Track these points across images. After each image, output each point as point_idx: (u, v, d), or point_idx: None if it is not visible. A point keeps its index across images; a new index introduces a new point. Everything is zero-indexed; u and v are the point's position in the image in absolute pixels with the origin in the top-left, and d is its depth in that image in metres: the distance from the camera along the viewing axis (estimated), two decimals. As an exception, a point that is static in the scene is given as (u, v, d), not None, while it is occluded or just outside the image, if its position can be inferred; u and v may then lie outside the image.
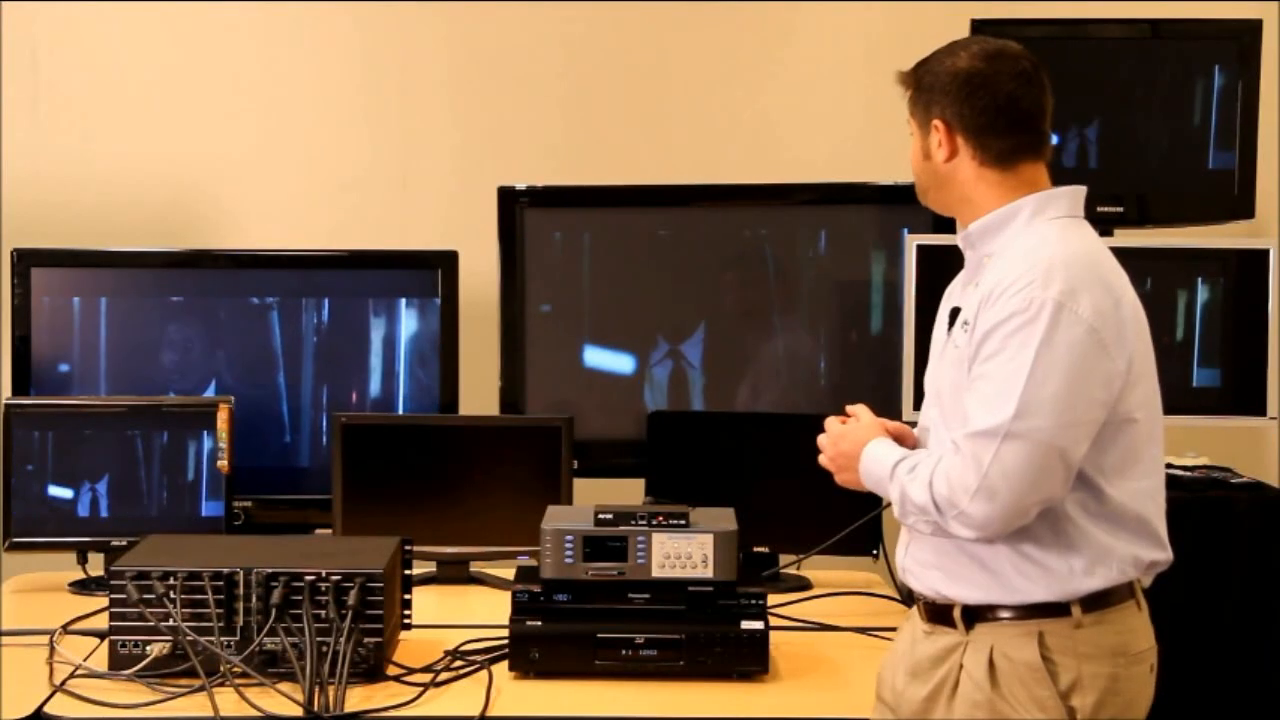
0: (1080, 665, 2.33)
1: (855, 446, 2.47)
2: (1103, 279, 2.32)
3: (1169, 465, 3.66)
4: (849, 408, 2.56)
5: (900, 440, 2.48)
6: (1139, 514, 2.36)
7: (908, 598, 2.66)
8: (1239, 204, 3.71)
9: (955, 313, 2.44)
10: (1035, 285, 2.28)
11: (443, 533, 3.49)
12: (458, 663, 2.84)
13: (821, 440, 2.53)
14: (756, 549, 3.41)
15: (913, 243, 3.54)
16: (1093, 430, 2.29)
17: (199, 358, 3.75)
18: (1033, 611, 2.34)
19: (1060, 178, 3.70)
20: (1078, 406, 2.26)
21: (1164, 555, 2.41)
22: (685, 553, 2.80)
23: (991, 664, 2.35)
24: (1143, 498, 2.37)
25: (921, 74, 2.45)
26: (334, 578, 2.74)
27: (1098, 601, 2.34)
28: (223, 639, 2.71)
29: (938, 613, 2.43)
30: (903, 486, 2.36)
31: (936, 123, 2.42)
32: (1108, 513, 2.34)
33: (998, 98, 2.39)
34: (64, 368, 3.72)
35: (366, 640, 2.72)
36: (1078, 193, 2.47)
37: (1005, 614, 2.36)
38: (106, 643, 2.78)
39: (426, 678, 2.76)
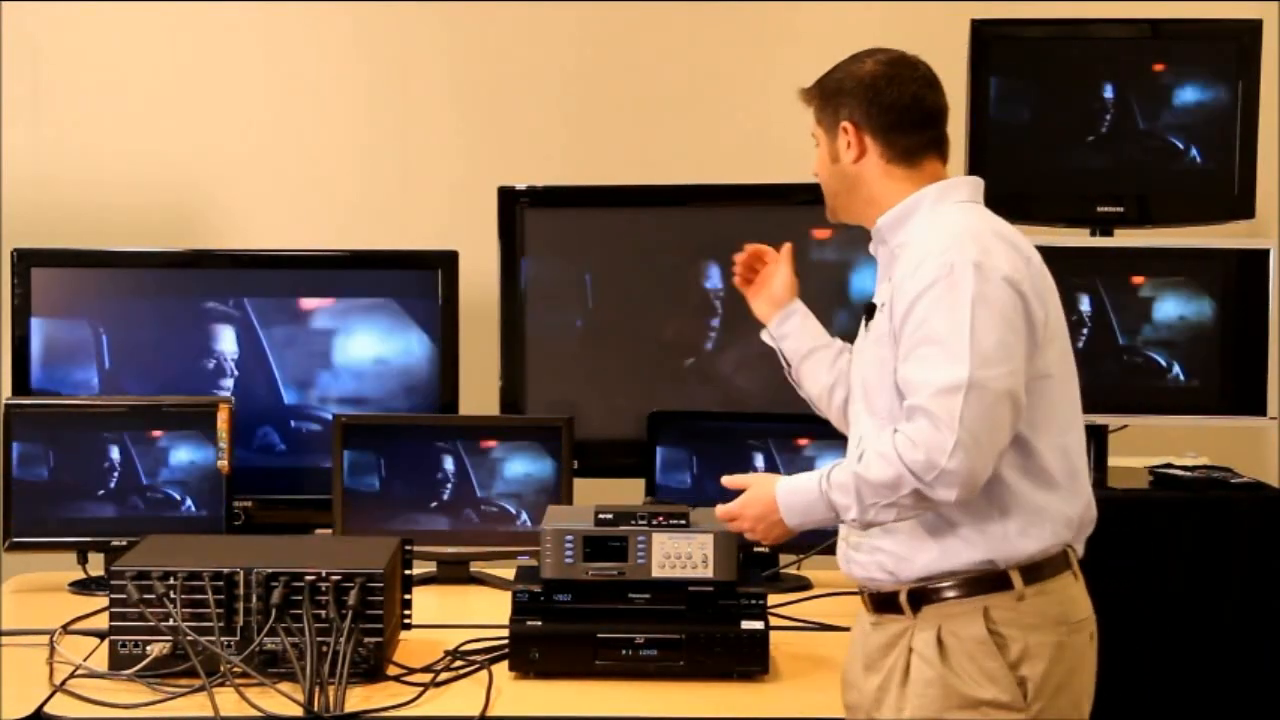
0: (1027, 636, 2.39)
1: (766, 502, 2.52)
2: (1011, 242, 2.43)
3: (1169, 465, 3.68)
4: (726, 481, 2.63)
5: None
6: (1065, 467, 2.44)
7: None
8: (1239, 204, 3.71)
9: (870, 310, 2.54)
10: (951, 250, 2.38)
11: (443, 533, 3.50)
12: (458, 663, 2.84)
13: (732, 522, 2.60)
14: (756, 549, 3.41)
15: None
16: (1025, 378, 2.38)
17: (199, 358, 3.75)
18: (976, 587, 2.40)
19: (1062, 178, 3.74)
20: (1018, 352, 2.37)
21: (1090, 509, 2.48)
22: (685, 553, 2.80)
23: (940, 642, 2.41)
24: (1065, 452, 2.45)
25: (826, 83, 2.58)
26: (334, 578, 2.74)
27: (1037, 572, 2.41)
28: (223, 639, 2.71)
29: (883, 601, 2.50)
30: (855, 479, 2.39)
31: (845, 124, 2.54)
32: (1036, 469, 2.41)
33: (903, 97, 2.51)
34: (64, 368, 3.72)
35: (366, 640, 2.72)
36: (977, 182, 2.58)
37: (950, 593, 2.41)
38: (106, 643, 2.78)
39: (426, 678, 2.76)
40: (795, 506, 2.48)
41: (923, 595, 2.44)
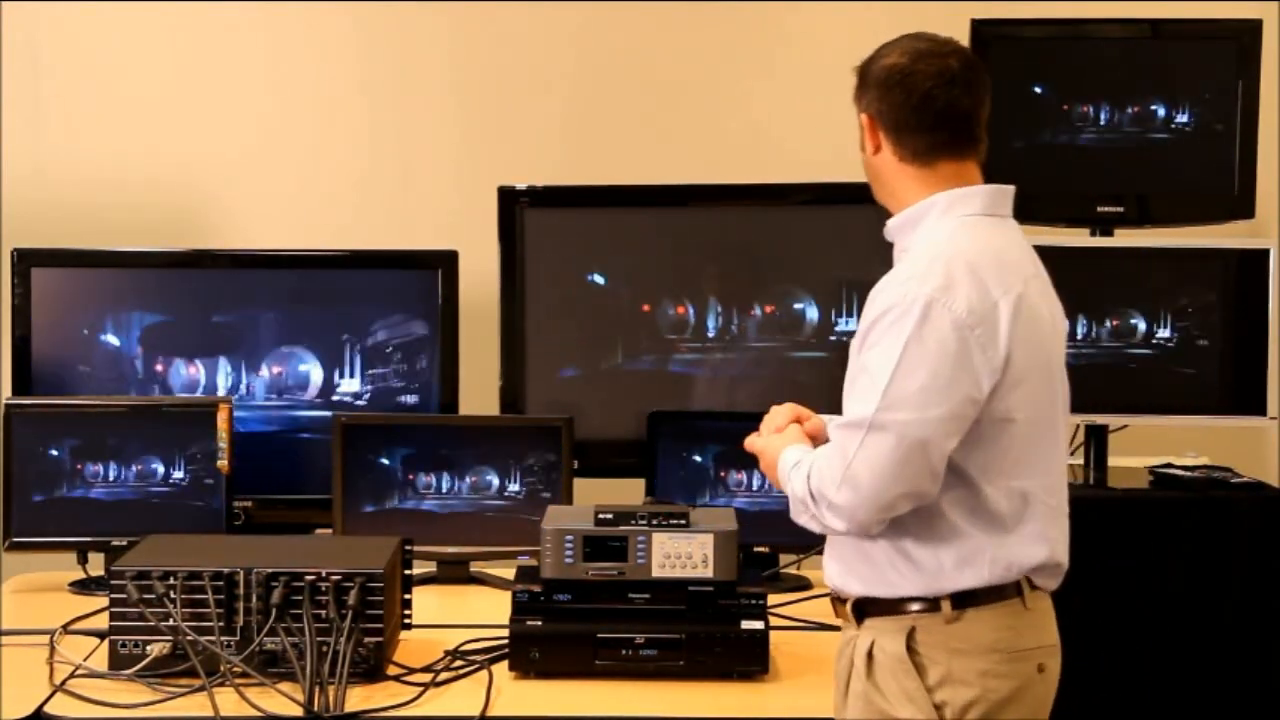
0: (950, 660, 2.34)
1: (772, 459, 2.52)
2: (981, 278, 2.32)
3: (1169, 465, 3.67)
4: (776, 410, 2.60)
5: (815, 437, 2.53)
6: (1018, 514, 2.35)
7: None
8: (1239, 204, 3.71)
9: None
10: (913, 281, 2.32)
11: (443, 533, 3.50)
12: (458, 663, 2.84)
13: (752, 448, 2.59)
14: (756, 549, 3.41)
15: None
16: (962, 425, 2.30)
17: (198, 357, 3.75)
18: (907, 605, 2.37)
19: (1062, 178, 3.74)
20: (945, 400, 2.28)
21: (1048, 558, 2.38)
22: (685, 553, 2.80)
23: (870, 655, 2.40)
24: (1025, 498, 2.36)
25: (862, 68, 2.51)
26: (334, 578, 2.74)
27: (974, 598, 2.35)
28: (223, 639, 2.72)
29: (840, 607, 2.49)
30: (791, 483, 2.42)
31: (863, 116, 2.48)
32: (984, 511, 2.34)
33: (913, 96, 2.41)
34: (64, 368, 3.72)
35: (366, 640, 2.72)
36: (997, 191, 2.47)
37: (884, 607, 2.39)
38: (106, 643, 2.78)
39: (426, 678, 2.76)
40: (782, 477, 2.48)
41: (866, 607, 2.43)
